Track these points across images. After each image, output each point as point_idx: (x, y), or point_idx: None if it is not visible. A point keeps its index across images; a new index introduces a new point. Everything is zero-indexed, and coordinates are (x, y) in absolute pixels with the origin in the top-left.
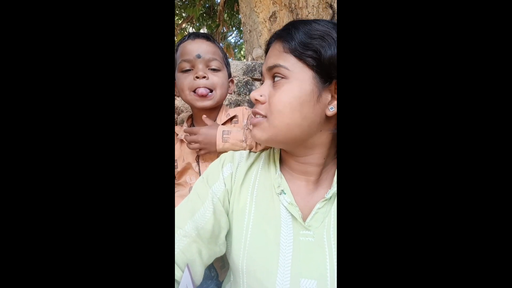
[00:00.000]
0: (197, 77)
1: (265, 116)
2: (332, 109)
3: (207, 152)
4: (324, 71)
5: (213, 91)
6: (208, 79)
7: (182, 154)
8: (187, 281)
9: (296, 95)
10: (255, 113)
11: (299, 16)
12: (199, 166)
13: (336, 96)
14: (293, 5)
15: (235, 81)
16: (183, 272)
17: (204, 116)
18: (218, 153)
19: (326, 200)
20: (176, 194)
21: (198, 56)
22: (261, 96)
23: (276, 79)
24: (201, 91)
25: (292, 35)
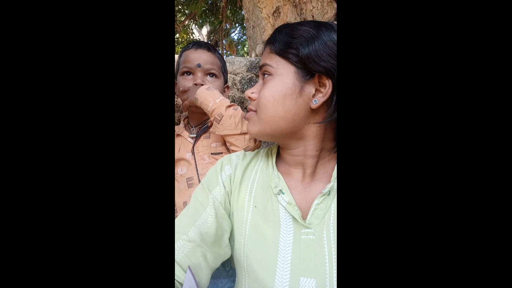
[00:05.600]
0: (196, 84)
1: (255, 111)
2: (315, 102)
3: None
4: (304, 66)
5: None
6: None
7: (177, 146)
8: (190, 283)
9: (278, 89)
10: (249, 110)
11: (303, 11)
12: (194, 157)
13: (321, 90)
14: (297, 0)
15: (239, 78)
16: None
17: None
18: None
19: (324, 195)
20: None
21: (199, 65)
22: (252, 93)
23: (264, 77)
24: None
25: (276, 37)
